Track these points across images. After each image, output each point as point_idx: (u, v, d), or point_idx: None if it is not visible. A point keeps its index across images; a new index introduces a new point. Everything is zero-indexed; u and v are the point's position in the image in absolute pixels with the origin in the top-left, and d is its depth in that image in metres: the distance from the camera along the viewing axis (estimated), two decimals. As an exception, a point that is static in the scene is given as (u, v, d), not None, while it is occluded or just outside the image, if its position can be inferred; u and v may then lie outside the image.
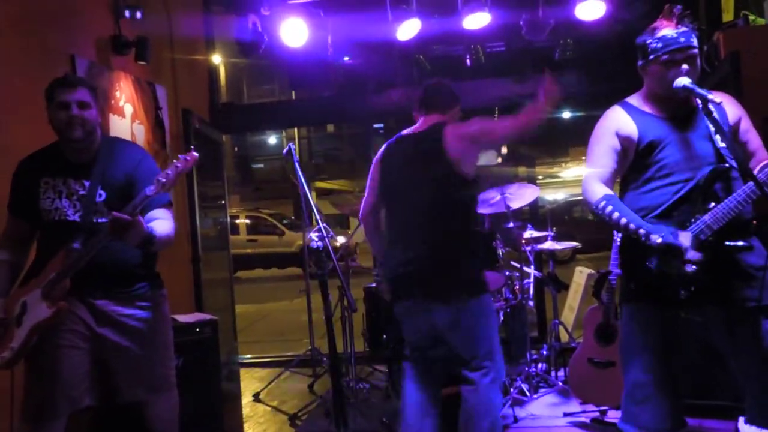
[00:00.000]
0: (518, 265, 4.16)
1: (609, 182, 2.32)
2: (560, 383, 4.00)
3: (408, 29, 4.34)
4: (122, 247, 2.27)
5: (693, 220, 2.13)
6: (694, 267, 2.06)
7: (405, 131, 2.89)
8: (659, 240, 2.08)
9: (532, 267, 4.30)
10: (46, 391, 2.23)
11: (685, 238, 2.08)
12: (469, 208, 2.76)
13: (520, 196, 4.15)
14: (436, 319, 2.62)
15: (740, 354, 2.20)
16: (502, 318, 4.25)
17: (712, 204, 2.12)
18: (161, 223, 2.35)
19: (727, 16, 4.37)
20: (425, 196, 2.65)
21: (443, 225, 2.64)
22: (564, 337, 4.51)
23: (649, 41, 2.24)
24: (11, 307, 2.31)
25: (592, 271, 4.76)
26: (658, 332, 2.26)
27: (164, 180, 2.17)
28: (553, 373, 4.18)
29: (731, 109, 2.27)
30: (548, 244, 4.18)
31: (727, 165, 2.13)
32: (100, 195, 2.37)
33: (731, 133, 2.21)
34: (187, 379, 2.84)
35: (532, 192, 4.20)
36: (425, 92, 2.90)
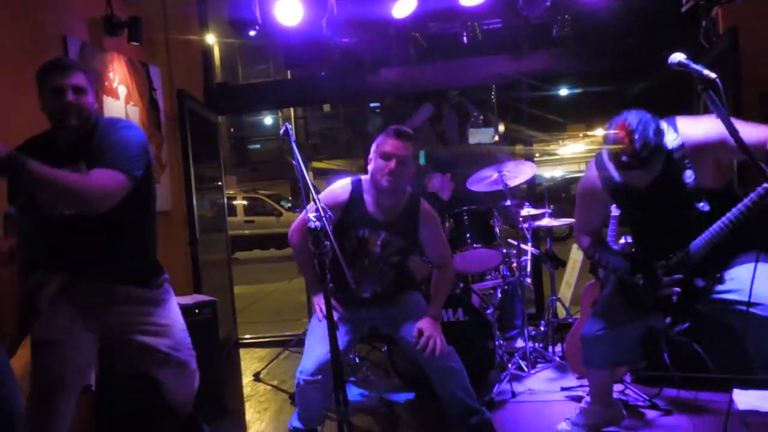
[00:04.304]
0: (516, 243, 4.18)
1: (594, 231, 2.70)
2: (557, 358, 4.04)
3: (404, 7, 4.30)
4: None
5: (672, 255, 2.36)
6: (677, 290, 2.32)
7: None
8: (640, 281, 2.40)
9: (530, 244, 4.32)
10: (57, 363, 2.20)
11: (659, 269, 2.36)
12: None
13: (518, 174, 4.14)
14: None
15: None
16: (500, 295, 4.29)
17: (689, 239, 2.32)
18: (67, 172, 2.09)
19: (726, -9, 4.33)
20: None
21: None
22: (561, 313, 4.54)
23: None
24: None
25: (589, 248, 4.77)
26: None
27: None
28: (550, 349, 4.22)
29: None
30: (545, 222, 4.19)
31: (700, 208, 2.29)
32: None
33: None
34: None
35: (529, 169, 4.20)
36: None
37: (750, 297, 2.09)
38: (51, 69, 2.23)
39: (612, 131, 2.26)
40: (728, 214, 2.16)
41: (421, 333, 2.80)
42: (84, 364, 2.28)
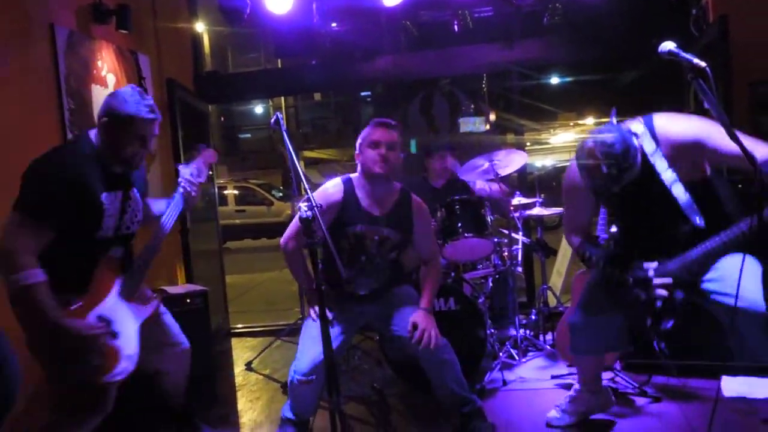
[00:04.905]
0: (507, 232, 4.18)
1: (583, 228, 2.70)
2: (548, 347, 4.06)
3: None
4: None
5: (656, 255, 2.36)
6: (664, 292, 2.31)
7: None
8: (630, 279, 2.39)
9: (521, 233, 4.33)
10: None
11: (650, 269, 2.34)
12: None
13: (509, 163, 4.15)
14: None
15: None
16: (491, 284, 4.30)
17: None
18: None
19: (716, -21, 4.33)
20: None
21: None
22: (552, 301, 4.57)
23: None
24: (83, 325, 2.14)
25: (580, 237, 4.79)
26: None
27: None
28: (541, 337, 4.24)
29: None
30: (536, 211, 4.20)
31: (690, 225, 2.31)
32: (140, 203, 2.51)
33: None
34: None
35: (520, 158, 4.20)
36: None
37: (737, 292, 2.07)
38: (148, 119, 2.35)
39: (583, 157, 2.35)
40: (724, 235, 2.20)
41: (415, 326, 2.80)
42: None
